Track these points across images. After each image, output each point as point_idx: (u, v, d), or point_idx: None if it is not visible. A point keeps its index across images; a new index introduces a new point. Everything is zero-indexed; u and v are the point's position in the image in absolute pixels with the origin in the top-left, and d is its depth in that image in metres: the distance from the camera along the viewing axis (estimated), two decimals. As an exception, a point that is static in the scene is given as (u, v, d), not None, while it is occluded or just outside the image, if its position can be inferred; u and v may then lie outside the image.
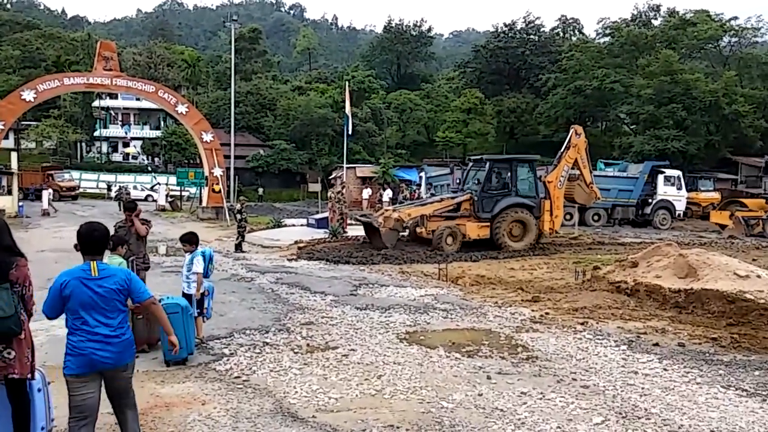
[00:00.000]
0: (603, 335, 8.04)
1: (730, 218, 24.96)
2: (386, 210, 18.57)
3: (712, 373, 6.45)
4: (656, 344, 7.61)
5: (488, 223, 17.88)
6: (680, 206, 29.73)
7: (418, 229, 18.24)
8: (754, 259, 14.63)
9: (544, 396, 5.73)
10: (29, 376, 4.47)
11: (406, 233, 18.54)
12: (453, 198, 18.77)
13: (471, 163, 20.12)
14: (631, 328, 8.46)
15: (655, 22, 59.96)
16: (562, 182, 19.23)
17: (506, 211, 17.92)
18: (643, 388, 5.97)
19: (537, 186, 18.71)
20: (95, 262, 4.20)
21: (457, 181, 20.38)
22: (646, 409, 5.39)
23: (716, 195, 33.30)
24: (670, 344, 7.63)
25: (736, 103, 42.76)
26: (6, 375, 4.33)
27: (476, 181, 18.97)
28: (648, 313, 9.36)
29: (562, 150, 19.68)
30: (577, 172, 20.16)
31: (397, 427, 4.99)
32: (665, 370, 6.59)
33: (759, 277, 10.00)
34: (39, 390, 4.63)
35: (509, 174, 18.59)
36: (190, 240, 7.68)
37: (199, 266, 7.41)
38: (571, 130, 19.88)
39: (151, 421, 5.09)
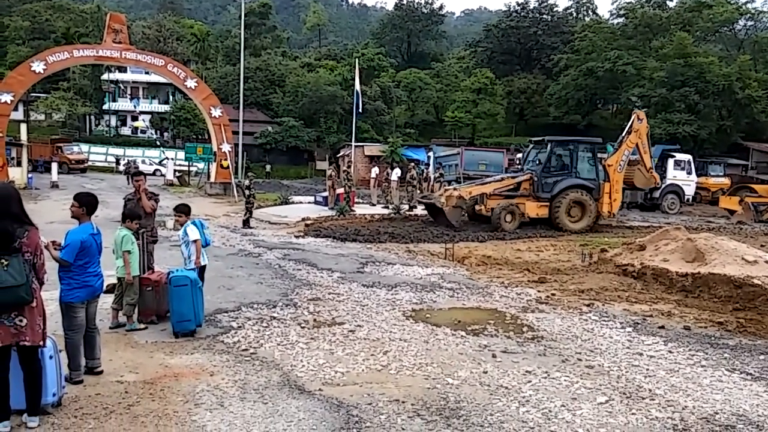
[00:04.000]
0: (609, 317, 8.06)
1: (739, 204, 24.78)
2: (447, 189, 18.85)
3: (717, 357, 6.47)
4: (662, 327, 7.62)
5: (547, 203, 18.25)
6: (689, 191, 29.50)
7: (477, 207, 18.51)
8: (762, 245, 14.55)
9: (548, 375, 5.77)
10: (41, 343, 4.55)
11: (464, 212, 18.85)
12: (513, 177, 19.13)
13: (532, 144, 20.37)
14: (637, 310, 8.47)
15: (671, 4, 59.11)
16: (623, 166, 19.63)
17: (565, 191, 18.23)
18: (647, 370, 5.99)
19: (597, 169, 18.97)
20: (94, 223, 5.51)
21: (518, 162, 20.93)
22: (650, 390, 5.42)
23: (726, 180, 32.99)
24: (676, 327, 7.65)
25: (750, 87, 42.26)
26: (18, 342, 4.41)
27: (537, 162, 19.26)
28: (654, 296, 9.37)
29: (623, 134, 20.08)
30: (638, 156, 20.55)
31: (403, 402, 5.04)
32: (670, 352, 6.61)
33: (767, 262, 9.97)
34: (51, 357, 4.72)
35: (570, 155, 18.89)
36: (185, 210, 7.69)
37: (194, 233, 7.39)
38: (633, 115, 20.29)
39: (160, 390, 5.16)
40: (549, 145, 19.02)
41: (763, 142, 43.39)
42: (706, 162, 34.36)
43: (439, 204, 17.79)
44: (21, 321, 4.38)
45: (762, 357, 6.49)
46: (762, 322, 7.89)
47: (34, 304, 4.45)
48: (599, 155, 19.73)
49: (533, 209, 18.30)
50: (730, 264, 9.90)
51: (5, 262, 4.25)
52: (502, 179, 19.24)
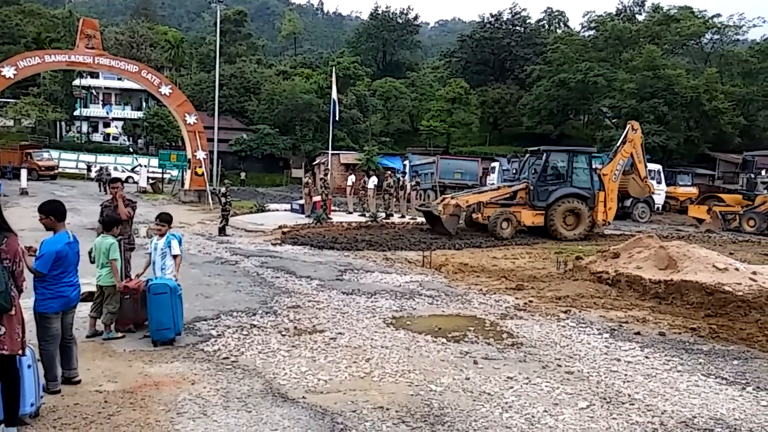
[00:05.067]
0: (586, 323, 8.18)
1: (707, 213, 25.37)
2: (444, 197, 19.10)
3: (692, 362, 6.61)
4: (638, 333, 7.76)
5: (543, 212, 18.52)
6: (659, 200, 30.14)
7: (474, 215, 18.78)
8: (731, 253, 14.90)
9: (530, 381, 5.83)
10: (20, 352, 4.45)
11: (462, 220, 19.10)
12: (510, 186, 19.46)
13: (528, 154, 20.63)
14: (612, 317, 8.61)
15: (640, 17, 60.48)
16: (617, 175, 20.01)
17: (561, 200, 18.52)
18: (626, 375, 6.10)
19: (592, 178, 19.30)
20: (70, 231, 5.37)
21: (513, 171, 21.30)
22: (629, 395, 5.52)
23: (694, 190, 33.81)
24: (651, 333, 7.79)
25: (716, 99, 43.37)
26: (-4, 350, 4.31)
27: (533, 171, 19.54)
28: (629, 303, 9.53)
29: (618, 144, 20.59)
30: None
31: (387, 409, 5.04)
32: (647, 357, 6.73)
33: (737, 270, 10.20)
34: (29, 366, 4.63)
35: (565, 165, 19.16)
36: (168, 220, 7.39)
37: (177, 249, 7.21)
38: (628, 126, 20.72)
39: (141, 399, 5.08)
40: (545, 155, 19.38)
41: (730, 152, 44.50)
42: (675, 172, 35.17)
43: (436, 212, 18.03)
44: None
45: (735, 362, 6.65)
46: (733, 328, 8.07)
47: (13, 312, 4.36)
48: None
49: (529, 217, 18.58)
50: (701, 271, 10.12)
51: (-16, 270, 4.16)
52: (499, 188, 19.70)
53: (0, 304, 4.23)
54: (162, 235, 7.23)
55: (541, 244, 17.48)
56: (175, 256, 7.16)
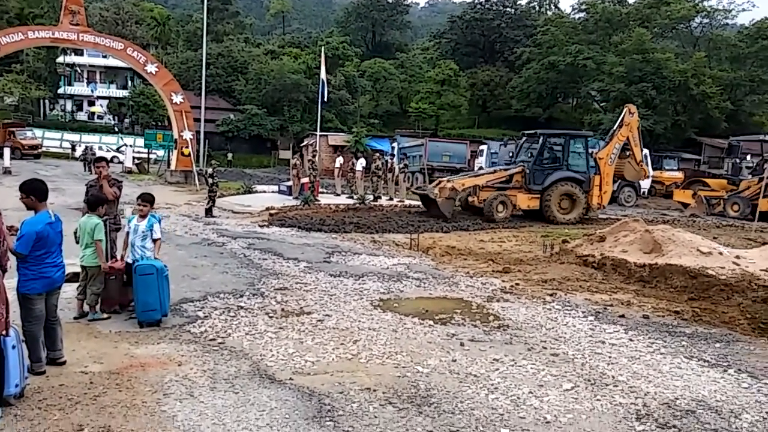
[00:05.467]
0: (571, 306, 8.25)
1: (692, 197, 25.59)
2: (441, 180, 19.07)
3: (675, 344, 6.69)
4: (622, 316, 7.84)
5: (538, 195, 18.59)
6: (645, 184, 30.35)
7: (470, 199, 18.77)
8: (714, 237, 15.05)
9: (515, 363, 5.89)
10: (3, 332, 4.42)
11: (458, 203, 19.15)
12: (506, 170, 19.40)
13: (524, 137, 20.64)
14: (598, 300, 8.69)
15: (630, 0, 60.29)
16: (613, 159, 20.06)
17: (556, 184, 18.59)
18: (610, 357, 6.17)
19: (588, 161, 19.34)
20: (51, 211, 5.30)
21: (510, 154, 21.39)
22: (613, 377, 5.59)
23: (680, 174, 34.04)
24: (635, 316, 7.87)
25: (704, 84, 43.52)
26: (-20, 331, 4.28)
27: (529, 155, 19.56)
28: (614, 286, 9.62)
29: (614, 128, 20.58)
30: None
31: (374, 390, 5.07)
32: (631, 340, 6.81)
33: (721, 254, 10.33)
34: (13, 347, 4.58)
35: (561, 149, 19.24)
36: (151, 200, 7.27)
37: (159, 232, 7.13)
38: (625, 109, 20.70)
39: (127, 380, 5.07)
40: (541, 138, 19.43)
41: (716, 137, 44.81)
42: (661, 156, 35.37)
43: (432, 195, 18.06)
44: (-18, 310, 4.25)
45: (717, 345, 6.74)
46: (716, 311, 8.18)
47: (-3, 293, 4.33)
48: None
49: (524, 201, 18.67)
50: (685, 255, 10.23)
51: (-34, 250, 4.11)
52: (495, 171, 19.67)
53: (-17, 284, 4.19)
54: (143, 216, 7.08)
55: (528, 227, 17.56)
56: (155, 240, 7.09)
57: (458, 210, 18.99)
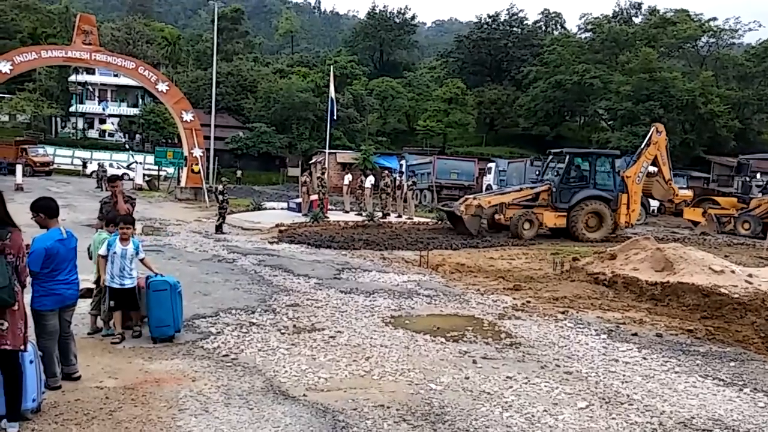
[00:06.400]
0: (583, 324, 8.22)
1: (702, 215, 25.47)
2: (467, 198, 19.21)
3: (689, 363, 6.65)
4: (635, 334, 7.80)
5: (565, 213, 18.64)
6: (655, 202, 30.24)
7: (496, 216, 18.85)
8: (726, 256, 14.97)
9: (529, 381, 5.86)
10: (22, 347, 4.46)
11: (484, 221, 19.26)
12: (532, 188, 19.54)
13: (551, 156, 20.71)
14: (610, 318, 8.66)
15: (636, 20, 60.73)
16: (641, 178, 20.08)
17: (583, 202, 18.67)
18: (624, 375, 6.14)
19: (615, 180, 19.41)
20: (63, 227, 5.29)
21: (536, 173, 21.50)
22: (628, 395, 5.56)
23: (689, 192, 33.89)
24: (648, 334, 7.83)
25: (712, 103, 43.60)
26: (-1, 346, 4.31)
27: (555, 173, 19.71)
28: (626, 304, 9.57)
29: (642, 146, 20.57)
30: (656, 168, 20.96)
31: (388, 407, 5.06)
32: (645, 358, 6.77)
33: (733, 272, 10.27)
34: (31, 362, 4.63)
35: (588, 167, 19.34)
36: (133, 222, 6.95)
37: (143, 252, 6.87)
38: (652, 128, 20.70)
39: (142, 396, 5.09)
40: (567, 157, 19.55)
41: (725, 155, 44.72)
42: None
43: (458, 213, 18.17)
44: (2, 324, 4.29)
45: (732, 363, 6.70)
46: (729, 330, 8.13)
47: (16, 308, 4.37)
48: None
49: (551, 219, 18.75)
50: (697, 273, 10.18)
51: (-13, 264, 4.16)
52: (521, 189, 19.79)
53: (3, 298, 4.23)
54: (126, 240, 6.67)
55: (537, 245, 17.53)
56: (142, 260, 6.84)
57: (484, 227, 19.05)
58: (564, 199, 18.77)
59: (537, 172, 22.12)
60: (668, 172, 21.33)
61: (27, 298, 4.66)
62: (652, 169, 21.08)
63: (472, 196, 19.85)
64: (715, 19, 53.90)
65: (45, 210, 5.20)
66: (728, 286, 9.48)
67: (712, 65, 52.24)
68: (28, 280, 5.02)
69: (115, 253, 6.60)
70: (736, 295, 9.07)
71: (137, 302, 6.85)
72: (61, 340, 5.35)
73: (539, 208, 18.80)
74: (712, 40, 54.04)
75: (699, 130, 45.18)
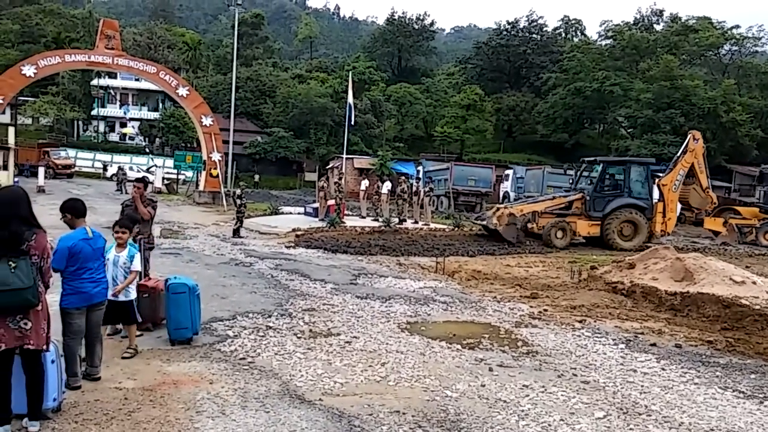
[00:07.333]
0: (601, 333, 8.15)
1: (723, 225, 25.12)
2: (498, 208, 19.25)
3: (709, 375, 6.57)
4: (653, 344, 7.72)
5: (599, 222, 18.56)
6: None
7: (529, 225, 18.76)
8: (747, 266, 14.78)
9: (545, 389, 5.83)
10: (45, 347, 4.53)
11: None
12: (565, 197, 19.52)
13: (584, 164, 20.63)
14: (628, 327, 8.58)
15: (658, 27, 60.26)
16: (677, 186, 19.91)
17: (618, 210, 18.57)
18: (642, 386, 6.07)
19: (650, 188, 19.26)
20: (89, 227, 5.43)
21: (570, 181, 21.46)
22: (646, 406, 5.50)
23: (711, 202, 33.46)
24: (667, 345, 7.75)
25: (734, 111, 43.09)
26: (22, 345, 4.39)
27: (589, 181, 19.67)
28: (644, 314, 9.48)
29: (678, 154, 20.43)
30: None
31: (403, 413, 5.06)
32: (663, 369, 6.70)
33: (754, 283, 10.16)
34: (52, 362, 4.70)
35: (623, 175, 19.23)
36: (130, 227, 6.57)
37: (138, 264, 6.37)
38: (689, 136, 20.54)
39: (160, 397, 5.14)
40: (601, 165, 19.45)
41: (746, 165, 44.14)
42: (691, 183, 34.79)
43: (492, 226, 18.11)
44: (26, 324, 4.37)
45: (753, 376, 6.60)
46: (749, 341, 8.01)
47: (40, 308, 4.44)
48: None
49: (584, 228, 18.67)
50: (718, 284, 10.07)
51: (13, 265, 4.23)
52: (554, 198, 19.77)
53: (27, 299, 4.31)
54: (122, 245, 6.29)
55: (555, 252, 17.43)
56: (135, 272, 6.34)
57: (522, 234, 18.83)
58: (598, 208, 18.65)
59: (570, 181, 21.99)
60: (705, 180, 20.97)
61: (50, 298, 4.73)
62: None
63: (502, 205, 19.70)
64: (738, 26, 53.47)
65: (72, 210, 5.40)
66: (749, 297, 9.38)
67: (735, 73, 51.67)
68: (57, 280, 5.13)
69: (108, 259, 6.05)
70: (758, 307, 8.97)
71: (132, 316, 6.36)
72: (88, 340, 5.45)
73: (572, 217, 18.70)
74: (734, 47, 53.49)
75: (720, 138, 44.63)
